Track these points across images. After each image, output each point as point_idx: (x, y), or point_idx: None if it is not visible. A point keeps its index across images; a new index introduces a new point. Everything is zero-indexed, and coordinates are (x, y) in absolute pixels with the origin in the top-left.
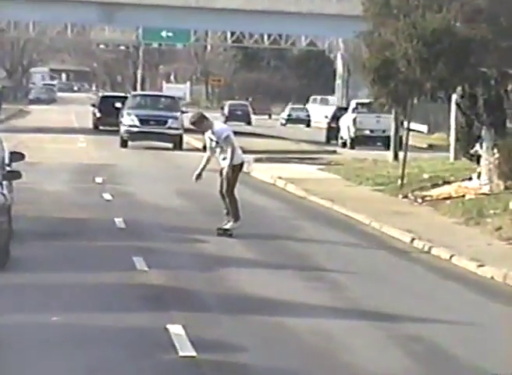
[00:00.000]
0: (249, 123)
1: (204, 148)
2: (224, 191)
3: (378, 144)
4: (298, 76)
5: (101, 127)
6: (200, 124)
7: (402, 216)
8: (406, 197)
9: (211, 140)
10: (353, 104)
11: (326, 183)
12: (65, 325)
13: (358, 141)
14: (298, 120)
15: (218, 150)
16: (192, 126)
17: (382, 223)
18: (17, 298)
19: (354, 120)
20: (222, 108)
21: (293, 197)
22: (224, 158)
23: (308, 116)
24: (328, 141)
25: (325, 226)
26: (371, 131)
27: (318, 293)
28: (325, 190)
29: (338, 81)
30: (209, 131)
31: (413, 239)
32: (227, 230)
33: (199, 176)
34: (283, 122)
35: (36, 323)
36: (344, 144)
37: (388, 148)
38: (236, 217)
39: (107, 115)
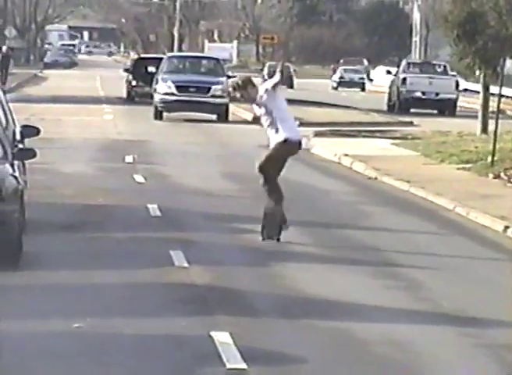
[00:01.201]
0: (291, 86)
1: (254, 119)
2: (258, 163)
3: (431, 108)
4: (367, 32)
5: (137, 99)
6: (244, 90)
7: (493, 199)
8: (498, 177)
9: (260, 105)
10: (403, 63)
11: (401, 161)
12: (89, 333)
13: (408, 104)
14: (351, 83)
15: (267, 122)
16: (233, 93)
17: (468, 208)
18: (31, 301)
19: (404, 81)
20: (262, 70)
21: (361, 178)
22: (276, 131)
23: (362, 78)
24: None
25: (399, 213)
26: (423, 93)
27: (392, 293)
28: (400, 169)
29: (415, 39)
30: (256, 98)
31: (506, 227)
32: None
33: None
34: (334, 85)
35: (54, 332)
36: (392, 107)
37: (442, 113)
38: (280, 199)
39: (145, 83)
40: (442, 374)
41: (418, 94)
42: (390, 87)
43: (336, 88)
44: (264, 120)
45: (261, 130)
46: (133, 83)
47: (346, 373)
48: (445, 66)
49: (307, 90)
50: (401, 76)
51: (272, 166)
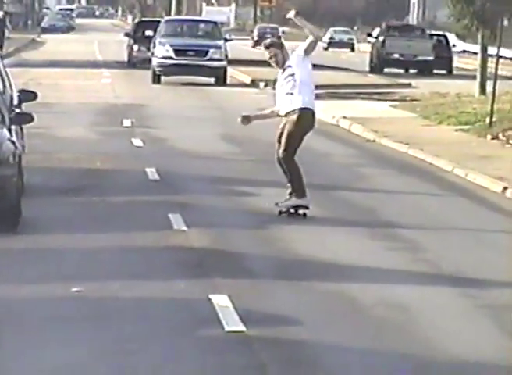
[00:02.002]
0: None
1: (253, 82)
2: (280, 150)
3: (411, 68)
4: None
5: (139, 65)
6: (278, 49)
7: (491, 160)
8: (496, 138)
9: (286, 69)
10: (383, 26)
11: (400, 123)
12: (88, 297)
13: (387, 64)
14: (341, 44)
15: (286, 85)
16: (267, 51)
17: (467, 169)
18: (30, 266)
19: (383, 43)
20: (252, 32)
21: (360, 140)
22: (290, 102)
23: (352, 39)
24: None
25: (398, 175)
26: (401, 55)
27: (391, 254)
28: (398, 131)
29: (412, 1)
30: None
31: (505, 188)
32: (296, 206)
33: (248, 117)
34: (325, 46)
35: (53, 296)
36: (373, 68)
37: (422, 73)
38: (301, 191)
39: (147, 47)
40: (440, 335)
41: (396, 55)
42: (371, 49)
43: (326, 49)
44: (282, 86)
45: (259, 94)
46: (135, 47)
47: (344, 335)
48: (423, 29)
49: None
50: (381, 38)
51: (295, 144)
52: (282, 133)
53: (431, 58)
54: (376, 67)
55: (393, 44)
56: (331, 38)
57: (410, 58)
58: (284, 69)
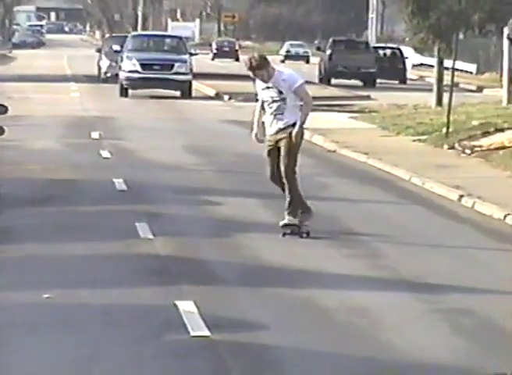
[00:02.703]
0: (237, 59)
1: (217, 95)
2: (283, 168)
3: (355, 79)
4: (325, 9)
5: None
6: (262, 69)
7: (448, 169)
8: (452, 148)
9: (269, 93)
10: (330, 41)
11: (359, 133)
12: (58, 304)
13: (333, 76)
14: (297, 57)
15: (274, 107)
16: (251, 72)
17: (424, 178)
18: (3, 275)
19: (330, 56)
20: (210, 45)
21: (321, 150)
22: (281, 119)
23: (307, 52)
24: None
25: (358, 184)
26: (345, 68)
27: (351, 261)
28: (358, 141)
29: (371, 15)
30: (271, 80)
31: (461, 196)
32: (297, 226)
33: (257, 135)
34: (282, 58)
35: (25, 303)
36: (321, 80)
37: (365, 84)
38: (305, 207)
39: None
40: (399, 339)
41: (341, 68)
42: (319, 62)
43: (283, 61)
44: (270, 106)
45: (223, 106)
46: (106, 63)
47: (307, 339)
48: (366, 43)
49: None
50: (328, 52)
51: (296, 159)
52: (277, 150)
53: (373, 70)
54: (324, 78)
55: (339, 58)
56: (287, 51)
57: (355, 70)
58: (269, 87)
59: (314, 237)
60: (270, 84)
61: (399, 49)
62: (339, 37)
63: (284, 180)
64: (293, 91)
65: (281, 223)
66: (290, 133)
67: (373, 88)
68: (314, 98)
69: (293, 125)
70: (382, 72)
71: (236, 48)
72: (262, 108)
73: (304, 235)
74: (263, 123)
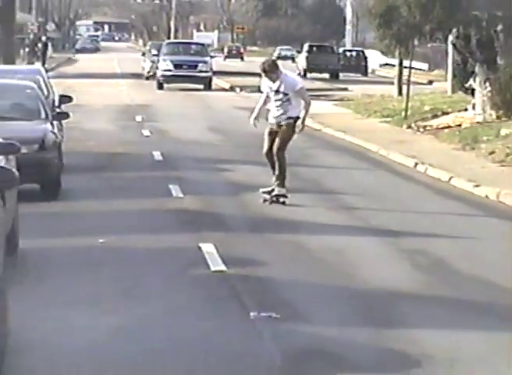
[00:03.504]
0: (242, 59)
1: (231, 87)
2: (276, 149)
3: (324, 73)
4: (312, 23)
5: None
6: (272, 73)
7: (406, 144)
8: (409, 127)
9: (276, 91)
10: (306, 46)
11: (339, 116)
12: (110, 247)
13: (308, 71)
14: (285, 57)
15: (278, 103)
16: (263, 74)
17: (388, 150)
18: (69, 224)
19: (307, 57)
20: (222, 49)
21: (309, 129)
22: (284, 113)
23: (293, 54)
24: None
25: (338, 155)
26: (316, 65)
27: (332, 213)
28: (338, 122)
29: (348, 27)
30: (277, 81)
31: (416, 164)
32: (278, 195)
33: (256, 119)
34: (275, 59)
35: (85, 246)
36: (299, 74)
37: (332, 77)
38: (283, 183)
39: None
40: (368, 272)
41: (313, 66)
42: (298, 61)
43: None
44: (274, 99)
45: (235, 96)
46: (148, 64)
47: (298, 272)
48: (331, 48)
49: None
50: (304, 54)
51: (286, 146)
52: (275, 133)
53: (337, 67)
54: (300, 73)
55: (312, 57)
56: (279, 53)
57: (324, 67)
58: (278, 91)
59: (304, 195)
60: (278, 87)
61: (362, 51)
62: (313, 43)
63: (275, 158)
64: (295, 92)
65: (265, 189)
66: (288, 124)
67: (341, 81)
68: (307, 89)
69: (293, 118)
70: (349, 67)
71: (241, 51)
72: (265, 101)
73: (283, 201)
74: (267, 110)
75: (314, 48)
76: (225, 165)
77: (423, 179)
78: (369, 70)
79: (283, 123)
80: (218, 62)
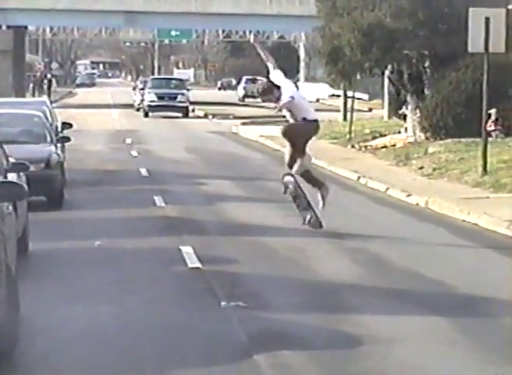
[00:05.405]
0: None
1: (205, 115)
2: (282, 131)
3: (257, 99)
4: None
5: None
6: (266, 95)
7: (350, 160)
8: (353, 147)
9: (282, 109)
10: (244, 78)
11: None
12: (104, 248)
13: (246, 97)
14: (229, 87)
15: (288, 114)
16: (260, 97)
17: (336, 166)
18: (70, 229)
19: (244, 87)
20: (199, 83)
21: (270, 150)
22: (295, 120)
23: (234, 84)
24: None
25: None
26: (253, 92)
27: (291, 219)
28: None
29: (302, 64)
30: (280, 99)
31: (358, 177)
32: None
33: None
34: (268, 82)
35: (81, 247)
36: (239, 99)
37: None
38: (321, 182)
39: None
40: (320, 265)
41: (249, 93)
42: (238, 91)
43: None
44: (285, 111)
45: (209, 122)
46: (139, 97)
47: (263, 267)
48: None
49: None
50: (242, 85)
51: (294, 136)
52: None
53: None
54: (240, 99)
55: (248, 87)
56: (221, 83)
57: (257, 95)
58: (282, 108)
59: (266, 204)
60: (281, 106)
61: (295, 82)
62: (248, 76)
63: (282, 135)
64: (289, 103)
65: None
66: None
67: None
68: (266, 116)
69: (300, 120)
70: None
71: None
72: None
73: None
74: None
75: (250, 80)
76: (201, 179)
77: (364, 189)
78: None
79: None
80: (195, 93)
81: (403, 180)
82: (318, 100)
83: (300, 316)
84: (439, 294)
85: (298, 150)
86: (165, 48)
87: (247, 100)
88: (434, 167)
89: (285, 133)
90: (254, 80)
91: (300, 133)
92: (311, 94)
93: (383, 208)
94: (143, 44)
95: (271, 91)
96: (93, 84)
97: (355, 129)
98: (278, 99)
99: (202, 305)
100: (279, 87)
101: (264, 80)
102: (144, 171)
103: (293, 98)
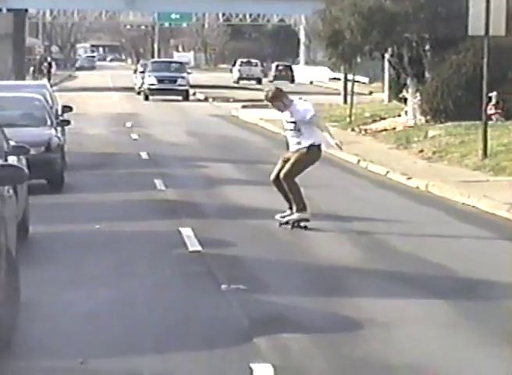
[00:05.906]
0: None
1: (205, 98)
2: (283, 174)
3: (251, 81)
4: (272, 44)
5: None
6: (276, 101)
7: (351, 144)
8: (353, 130)
9: (287, 121)
10: (238, 61)
11: None
12: (104, 231)
13: (241, 79)
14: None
15: (291, 133)
16: (268, 103)
17: (335, 149)
18: (70, 213)
19: (239, 70)
20: (198, 66)
21: (270, 133)
22: (298, 143)
23: (231, 69)
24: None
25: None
26: (247, 75)
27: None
28: None
29: (302, 47)
30: (287, 110)
31: (359, 160)
32: (299, 220)
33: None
34: (279, 87)
35: (82, 231)
36: (235, 82)
37: (257, 83)
38: (301, 206)
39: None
40: (321, 248)
41: (244, 75)
42: (233, 72)
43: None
44: (289, 128)
45: (209, 106)
46: (139, 81)
47: (263, 250)
48: (256, 63)
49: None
50: (237, 68)
51: (297, 172)
52: (288, 159)
53: (261, 76)
54: (236, 81)
55: (242, 70)
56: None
57: (252, 76)
58: (289, 121)
59: (264, 187)
60: (289, 117)
61: (290, 66)
62: (243, 59)
63: (283, 184)
64: (307, 122)
65: (281, 215)
66: (300, 150)
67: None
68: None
69: (306, 147)
70: (280, 77)
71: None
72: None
73: (285, 225)
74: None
75: (244, 63)
76: (201, 162)
77: (365, 173)
78: (295, 80)
79: (299, 151)
80: (194, 77)
81: (403, 163)
82: (311, 82)
83: (301, 298)
84: (439, 277)
85: (295, 174)
86: (165, 31)
87: (241, 82)
88: (434, 150)
89: (286, 176)
90: (248, 63)
91: (306, 166)
92: (236, 70)
93: (383, 191)
94: (143, 27)
95: (281, 97)
96: (93, 68)
97: (355, 112)
98: (286, 107)
99: (202, 288)
100: (287, 96)
101: (273, 87)
102: (144, 154)
103: (315, 116)
